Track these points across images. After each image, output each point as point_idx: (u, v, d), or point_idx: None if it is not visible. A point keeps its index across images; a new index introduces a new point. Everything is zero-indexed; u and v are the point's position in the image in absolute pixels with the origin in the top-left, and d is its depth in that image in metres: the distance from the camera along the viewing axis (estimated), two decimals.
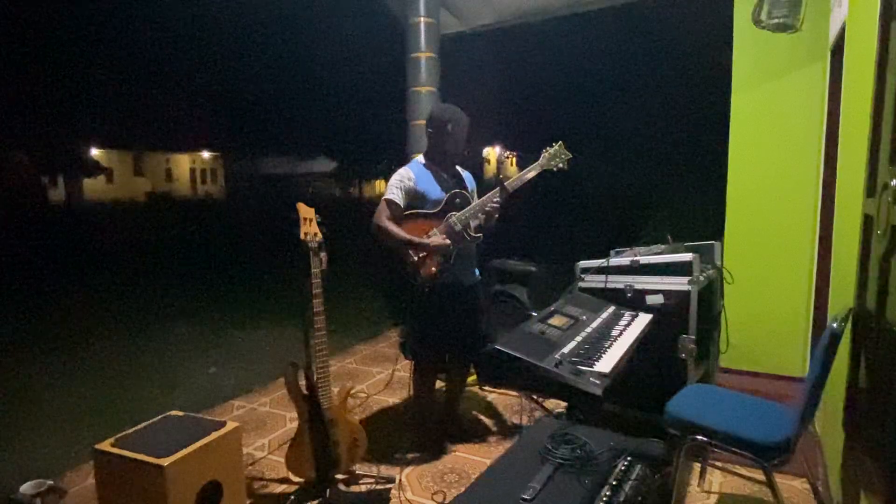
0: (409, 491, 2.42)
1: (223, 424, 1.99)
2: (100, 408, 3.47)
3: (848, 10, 2.40)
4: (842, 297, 2.24)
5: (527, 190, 2.73)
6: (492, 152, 35.39)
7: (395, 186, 2.66)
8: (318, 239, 2.29)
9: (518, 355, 1.88)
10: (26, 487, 2.19)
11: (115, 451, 1.78)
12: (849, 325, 1.90)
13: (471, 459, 2.68)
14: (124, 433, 1.93)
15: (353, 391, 3.47)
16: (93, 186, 29.85)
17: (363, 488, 2.44)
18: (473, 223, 2.65)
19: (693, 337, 2.58)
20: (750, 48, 3.38)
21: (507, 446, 2.79)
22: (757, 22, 3.17)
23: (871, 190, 1.77)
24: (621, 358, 2.02)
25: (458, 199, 2.67)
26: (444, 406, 2.97)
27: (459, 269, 2.68)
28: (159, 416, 2.08)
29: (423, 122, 4.57)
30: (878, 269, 1.64)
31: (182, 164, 38.07)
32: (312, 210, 2.31)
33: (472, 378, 3.12)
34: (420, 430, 2.89)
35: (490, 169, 36.22)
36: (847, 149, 2.44)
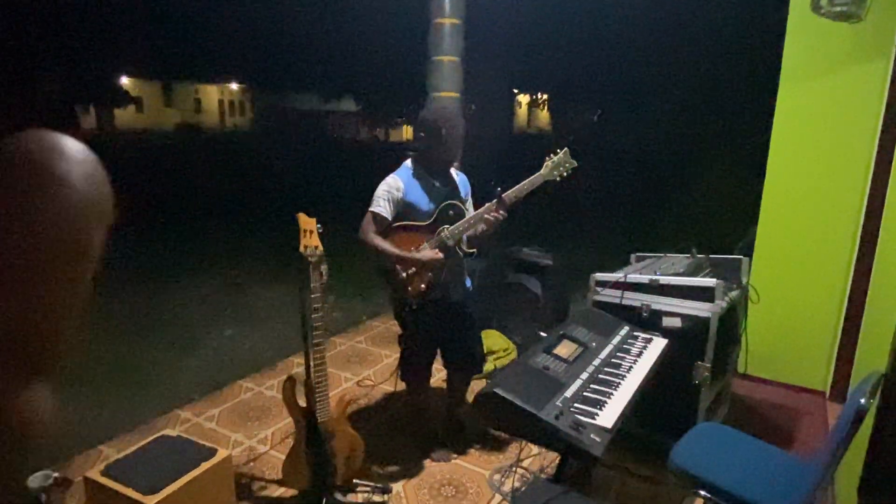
0: (405, 502, 2.41)
1: (215, 452, 1.97)
2: (112, 375, 3.52)
3: None
4: (875, 337, 2.07)
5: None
6: (523, 98, 34.18)
7: (381, 198, 2.42)
8: (318, 252, 2.18)
9: (518, 403, 1.79)
10: (33, 480, 2.24)
11: (104, 481, 1.78)
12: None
13: (469, 470, 2.65)
14: (116, 458, 1.92)
15: (353, 400, 3.37)
16: (122, 116, 30.05)
17: (360, 498, 2.44)
18: (467, 236, 2.47)
19: (708, 365, 2.45)
20: (805, 37, 3.04)
21: (507, 455, 2.78)
22: (817, 9, 2.85)
23: None
24: (628, 404, 1.91)
25: (451, 212, 2.45)
26: (444, 415, 2.93)
27: (449, 284, 2.52)
28: (154, 437, 2.07)
29: (445, 93, 4.36)
30: None
31: (210, 94, 37.84)
32: (314, 221, 2.18)
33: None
34: (418, 439, 2.85)
35: (521, 113, 35.16)
36: None
